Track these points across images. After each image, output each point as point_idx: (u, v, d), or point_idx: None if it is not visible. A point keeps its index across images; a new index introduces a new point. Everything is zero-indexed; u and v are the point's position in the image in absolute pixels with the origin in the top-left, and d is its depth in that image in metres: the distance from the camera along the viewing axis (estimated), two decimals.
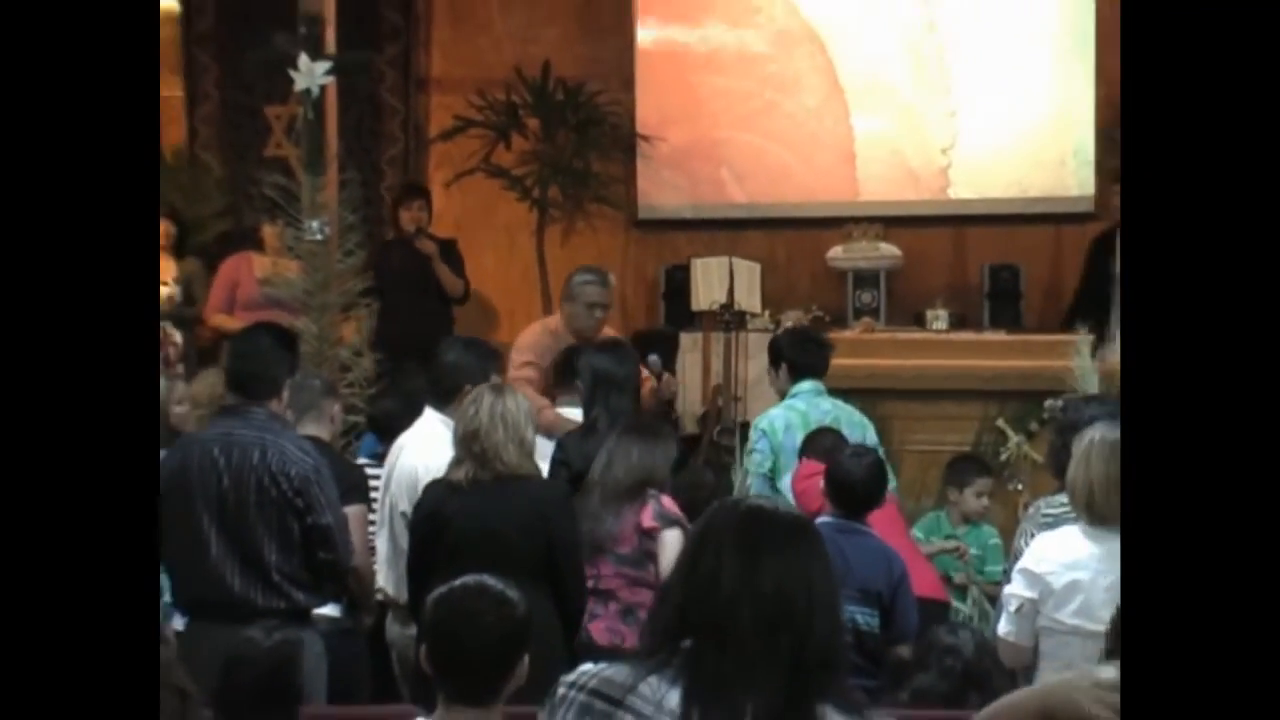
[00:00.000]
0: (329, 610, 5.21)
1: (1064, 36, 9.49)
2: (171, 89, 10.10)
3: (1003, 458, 7.29)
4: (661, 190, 9.98)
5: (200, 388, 6.32)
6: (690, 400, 8.89)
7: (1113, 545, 3.95)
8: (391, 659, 5.59)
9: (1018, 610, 4.30)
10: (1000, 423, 7.38)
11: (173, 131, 10.11)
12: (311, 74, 6.94)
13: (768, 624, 2.33)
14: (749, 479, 6.35)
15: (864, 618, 5.03)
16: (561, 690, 2.40)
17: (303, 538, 4.80)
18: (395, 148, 10.17)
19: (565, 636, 4.96)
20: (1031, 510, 5.14)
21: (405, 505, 5.33)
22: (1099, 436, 4.20)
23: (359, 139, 9.71)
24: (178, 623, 4.86)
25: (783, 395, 6.51)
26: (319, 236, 7.02)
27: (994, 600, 5.55)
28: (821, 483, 5.38)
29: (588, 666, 2.43)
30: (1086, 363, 7.07)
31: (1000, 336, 8.55)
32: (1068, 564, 4.18)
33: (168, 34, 9.98)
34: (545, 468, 5.44)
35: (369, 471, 5.79)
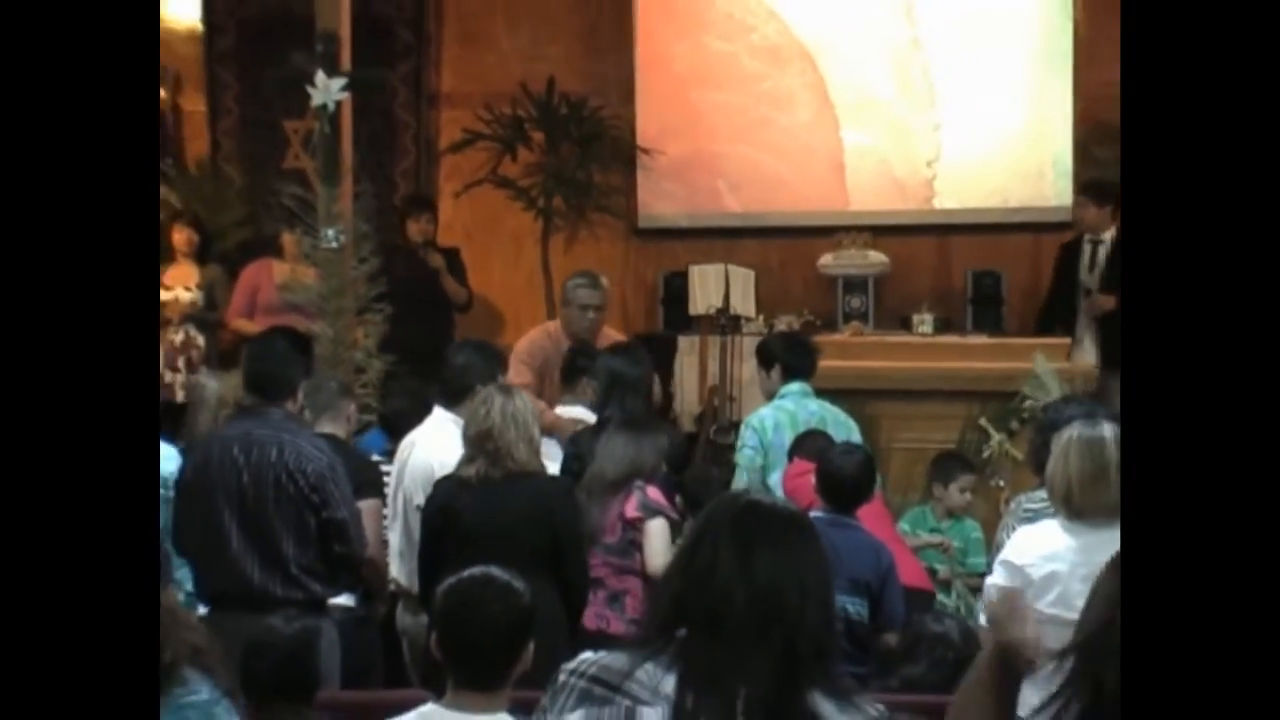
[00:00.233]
0: (344, 600, 5.27)
1: (1043, 55, 9.51)
2: (195, 104, 10.20)
3: (985, 455, 7.33)
4: (660, 200, 9.99)
5: (228, 389, 6.16)
6: (688, 400, 8.95)
7: (1089, 539, 4.05)
8: (403, 646, 5.67)
9: None
10: (983, 422, 7.42)
11: (196, 144, 10.18)
12: (328, 90, 6.97)
13: (761, 614, 2.38)
14: (739, 474, 6.43)
15: (854, 607, 5.11)
16: (563, 677, 2.47)
17: (319, 531, 4.85)
18: (407, 160, 10.20)
19: (569, 625, 5.03)
20: (1013, 505, 5.22)
21: (420, 499, 5.39)
22: (1077, 435, 4.25)
23: (373, 151, 9.61)
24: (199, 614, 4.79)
25: (770, 396, 6.61)
26: (334, 244, 7.04)
27: (977, 591, 5.66)
28: (812, 480, 5.48)
29: (588, 654, 2.50)
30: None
31: (983, 340, 8.61)
32: (1046, 556, 4.17)
33: (191, 52, 10.08)
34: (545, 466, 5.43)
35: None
